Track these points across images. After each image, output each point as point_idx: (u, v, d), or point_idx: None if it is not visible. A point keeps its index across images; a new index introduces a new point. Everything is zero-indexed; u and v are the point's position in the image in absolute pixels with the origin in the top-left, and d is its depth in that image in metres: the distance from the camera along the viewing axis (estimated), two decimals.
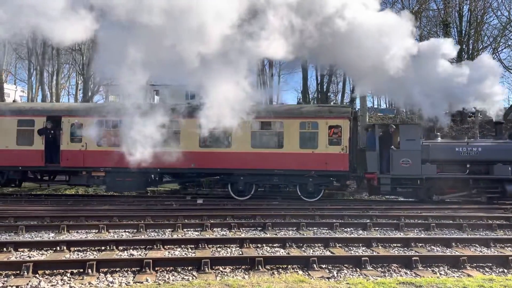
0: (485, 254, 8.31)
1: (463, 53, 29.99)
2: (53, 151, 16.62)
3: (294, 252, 8.29)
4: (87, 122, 16.45)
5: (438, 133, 16.33)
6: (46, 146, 16.55)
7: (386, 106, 42.47)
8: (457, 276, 6.86)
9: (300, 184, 16.20)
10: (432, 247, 8.83)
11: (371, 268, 7.14)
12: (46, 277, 6.63)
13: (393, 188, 15.85)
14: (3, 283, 6.30)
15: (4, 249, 8.12)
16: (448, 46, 15.51)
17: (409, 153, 15.47)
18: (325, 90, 34.97)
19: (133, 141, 15.59)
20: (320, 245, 8.79)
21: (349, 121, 16.14)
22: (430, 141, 15.97)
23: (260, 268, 6.98)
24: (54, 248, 8.25)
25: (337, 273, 6.94)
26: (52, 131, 16.67)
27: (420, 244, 8.89)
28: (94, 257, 7.72)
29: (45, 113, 16.88)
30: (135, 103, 14.81)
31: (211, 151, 16.35)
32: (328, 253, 8.20)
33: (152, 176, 16.97)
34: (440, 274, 7.01)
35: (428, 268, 7.26)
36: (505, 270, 7.25)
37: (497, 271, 7.24)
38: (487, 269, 7.32)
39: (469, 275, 6.87)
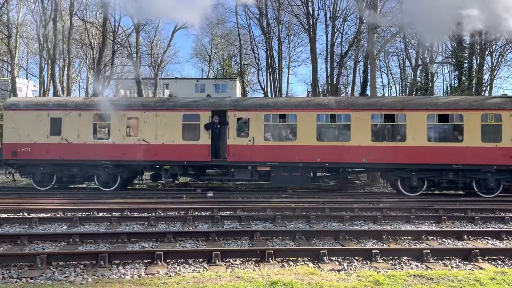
0: (497, 246, 8.25)
1: (476, 43, 29.57)
2: (218, 146, 16.58)
3: (304, 244, 8.30)
4: (254, 116, 16.38)
5: None
6: (212, 140, 16.47)
7: (397, 93, 41.98)
8: (469, 269, 6.81)
9: (477, 180, 15.60)
10: (444, 239, 8.77)
11: (382, 261, 7.13)
12: (59, 268, 6.73)
13: None
14: (18, 275, 6.41)
15: (19, 241, 8.27)
16: None
17: None
18: (335, 82, 34.76)
19: (302, 135, 15.94)
20: (330, 237, 8.79)
21: None
22: None
23: (271, 260, 7.01)
24: (67, 240, 8.37)
25: (347, 265, 6.94)
26: (218, 126, 16.54)
27: (431, 237, 8.84)
28: (106, 249, 7.82)
29: (210, 107, 16.72)
30: (305, 98, 14.89)
31: (385, 145, 15.93)
32: (338, 246, 8.20)
33: (312, 171, 16.56)
34: (452, 266, 6.97)
35: (440, 261, 7.22)
36: None
37: (509, 264, 7.17)
38: (499, 262, 7.26)
39: (481, 268, 6.82)
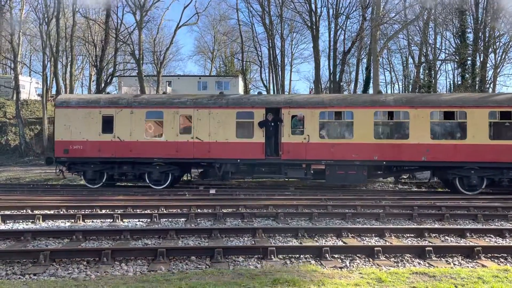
0: (500, 244, 8.21)
1: (479, 40, 29.44)
2: (272, 144, 16.40)
3: (307, 242, 8.30)
4: (309, 113, 16.18)
5: None
6: (265, 138, 16.29)
7: (400, 90, 41.88)
8: (471, 267, 6.80)
9: None
10: (446, 237, 8.75)
11: (384, 258, 7.12)
12: (62, 265, 6.75)
13: None
14: (22, 271, 6.44)
15: (22, 237, 8.29)
16: None
17: None
18: (337, 79, 34.72)
19: (359, 133, 15.75)
20: (332, 235, 8.77)
21: None
22: None
23: (273, 257, 7.01)
24: (70, 237, 8.39)
25: (349, 263, 6.94)
26: (272, 123, 16.37)
27: (434, 235, 8.82)
28: (109, 246, 7.84)
29: (264, 104, 16.53)
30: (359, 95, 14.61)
31: (445, 143, 15.63)
32: (340, 243, 8.19)
33: (367, 169, 16.20)
34: (454, 264, 6.95)
35: (442, 259, 7.20)
36: None
37: None
38: (502, 260, 7.24)
39: (483, 266, 6.80)
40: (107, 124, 16.94)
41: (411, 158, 15.70)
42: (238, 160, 16.40)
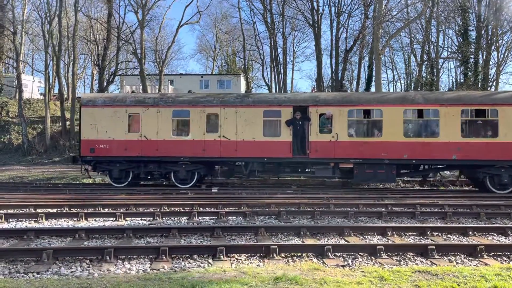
0: (503, 243, 8.21)
1: (482, 38, 29.35)
2: (299, 142, 16.31)
3: (309, 240, 8.30)
4: (337, 112, 16.08)
5: None
6: (293, 137, 16.24)
7: (402, 88, 41.75)
8: (474, 265, 6.79)
9: None
10: (449, 235, 8.74)
11: (386, 257, 7.12)
12: (65, 263, 6.78)
13: None
14: (25, 270, 6.46)
15: (25, 236, 8.33)
16: None
17: None
18: (339, 78, 34.68)
19: (388, 131, 15.64)
20: (335, 233, 8.78)
21: None
22: None
23: (275, 256, 7.02)
24: (73, 236, 8.42)
25: (352, 261, 6.94)
26: (299, 122, 16.31)
27: (436, 233, 8.81)
28: (112, 244, 7.87)
29: (292, 103, 16.44)
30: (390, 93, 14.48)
31: (476, 141, 15.44)
32: (343, 242, 8.20)
33: (396, 168, 16.01)
34: (457, 262, 6.95)
35: (444, 257, 7.20)
36: None
37: None
38: (505, 258, 7.23)
39: (486, 264, 6.80)
40: (134, 123, 16.90)
41: (442, 156, 15.55)
42: (265, 159, 16.32)
